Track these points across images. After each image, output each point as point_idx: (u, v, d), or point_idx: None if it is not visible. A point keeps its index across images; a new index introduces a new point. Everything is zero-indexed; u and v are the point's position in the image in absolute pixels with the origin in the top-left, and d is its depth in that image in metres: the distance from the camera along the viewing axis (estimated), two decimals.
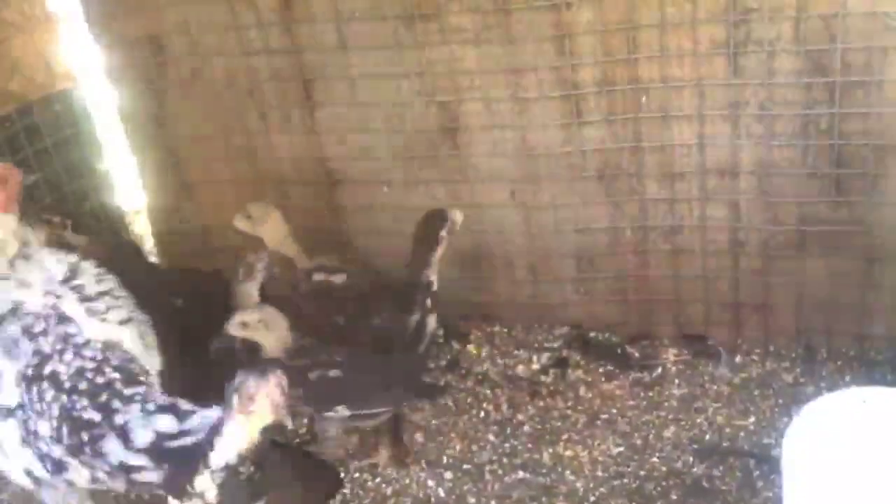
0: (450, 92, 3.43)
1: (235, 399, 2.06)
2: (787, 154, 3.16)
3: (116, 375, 2.35)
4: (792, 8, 2.93)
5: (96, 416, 2.26)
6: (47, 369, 2.34)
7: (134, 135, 3.98)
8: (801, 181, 3.17)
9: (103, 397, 2.29)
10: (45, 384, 2.32)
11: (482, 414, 3.42)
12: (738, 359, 3.50)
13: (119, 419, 2.24)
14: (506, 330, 3.84)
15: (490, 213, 3.62)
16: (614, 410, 3.34)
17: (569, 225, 3.54)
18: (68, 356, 2.37)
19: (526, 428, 3.32)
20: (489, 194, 3.58)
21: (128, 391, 2.31)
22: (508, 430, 3.32)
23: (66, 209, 3.59)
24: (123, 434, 2.21)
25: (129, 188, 4.15)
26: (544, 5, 3.15)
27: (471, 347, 3.78)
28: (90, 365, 2.36)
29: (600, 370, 3.56)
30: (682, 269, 3.51)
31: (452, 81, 3.40)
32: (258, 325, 2.92)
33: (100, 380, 2.33)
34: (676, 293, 3.57)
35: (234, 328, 2.90)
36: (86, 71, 3.85)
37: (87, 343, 2.41)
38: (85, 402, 2.29)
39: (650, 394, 3.40)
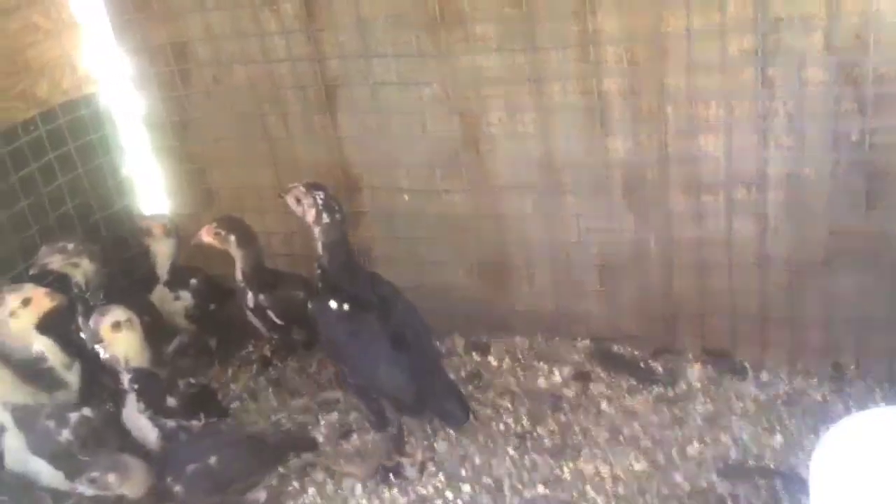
0: (472, 100, 3.39)
1: None
2: (817, 167, 3.08)
3: None
4: (822, 18, 2.86)
5: None
6: None
7: (157, 141, 3.99)
8: (830, 194, 3.10)
9: None
10: None
11: (502, 427, 3.36)
12: (764, 376, 3.43)
13: None
14: (527, 342, 3.80)
15: (512, 223, 3.59)
16: (637, 426, 3.28)
17: (592, 236, 3.49)
18: None
19: (546, 442, 3.26)
20: (511, 204, 3.54)
21: None
22: (529, 444, 3.26)
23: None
24: None
25: (151, 194, 4.14)
26: (569, 13, 3.11)
27: (491, 359, 3.74)
28: None
29: (623, 384, 3.49)
30: (708, 282, 3.44)
31: (475, 90, 3.37)
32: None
33: None
34: (702, 307, 3.50)
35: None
36: (110, 76, 3.85)
37: None
38: None
39: (674, 410, 3.32)
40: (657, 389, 3.44)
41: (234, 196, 3.96)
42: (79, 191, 3.71)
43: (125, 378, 3.02)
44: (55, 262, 3.35)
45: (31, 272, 3.35)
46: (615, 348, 3.68)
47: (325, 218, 2.99)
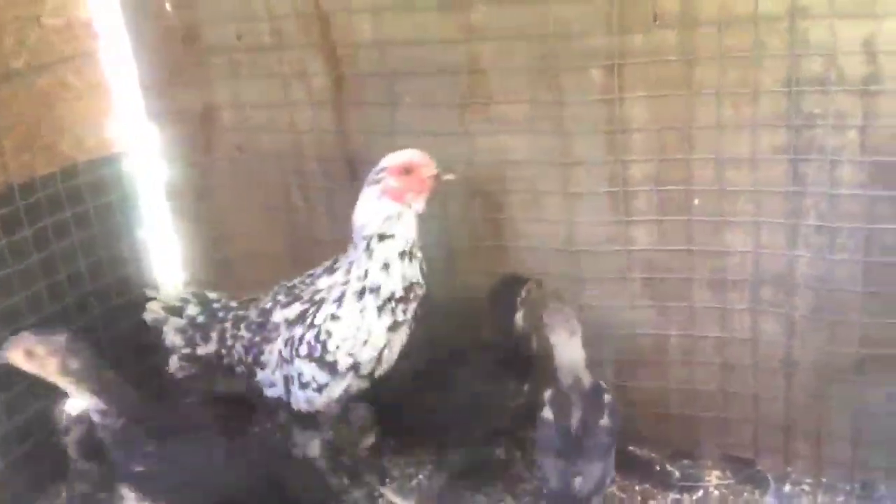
0: (496, 182, 3.34)
1: None
2: (848, 270, 2.96)
3: None
4: (858, 116, 2.79)
5: None
6: None
7: (176, 206, 3.96)
8: (862, 299, 2.97)
9: None
10: None
11: None
12: (787, 488, 3.24)
13: None
14: None
15: None
16: None
17: (611, 329, 3.37)
18: None
19: None
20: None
21: None
22: None
23: None
24: None
25: (166, 259, 4.09)
26: (599, 99, 3.07)
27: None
28: None
29: (636, 487, 3.31)
30: (731, 385, 3.30)
31: (499, 171, 3.32)
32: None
33: None
34: (724, 411, 3.34)
35: None
36: (135, 140, 3.86)
37: None
38: None
39: None
40: (673, 496, 3.26)
41: (250, 266, 3.90)
42: (92, 250, 3.66)
43: None
44: None
45: None
46: (630, 449, 3.49)
47: None
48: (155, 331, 3.25)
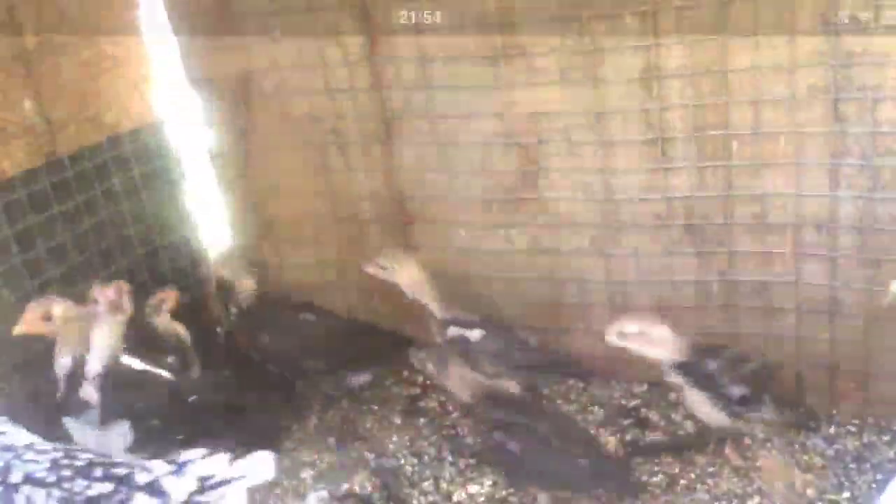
0: (532, 133, 3.35)
1: None
2: (892, 209, 2.94)
3: None
4: None
5: None
6: None
7: (219, 170, 4.03)
8: None
9: None
10: None
11: None
12: (832, 429, 3.25)
13: None
14: (582, 384, 3.67)
15: (569, 260, 3.50)
16: (693, 476, 3.13)
17: (651, 276, 3.38)
18: None
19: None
20: (569, 240, 3.46)
21: None
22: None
23: None
24: None
25: (212, 225, 4.18)
26: (633, 46, 3.05)
27: (543, 401, 3.61)
28: None
29: (681, 432, 3.34)
30: (774, 328, 3.30)
31: (535, 123, 3.32)
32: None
33: None
34: (768, 354, 3.33)
35: None
36: (177, 107, 3.93)
37: None
38: None
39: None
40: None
41: (291, 226, 3.97)
42: (141, 217, 3.76)
43: None
44: None
45: None
46: (674, 394, 3.51)
47: None
48: None
